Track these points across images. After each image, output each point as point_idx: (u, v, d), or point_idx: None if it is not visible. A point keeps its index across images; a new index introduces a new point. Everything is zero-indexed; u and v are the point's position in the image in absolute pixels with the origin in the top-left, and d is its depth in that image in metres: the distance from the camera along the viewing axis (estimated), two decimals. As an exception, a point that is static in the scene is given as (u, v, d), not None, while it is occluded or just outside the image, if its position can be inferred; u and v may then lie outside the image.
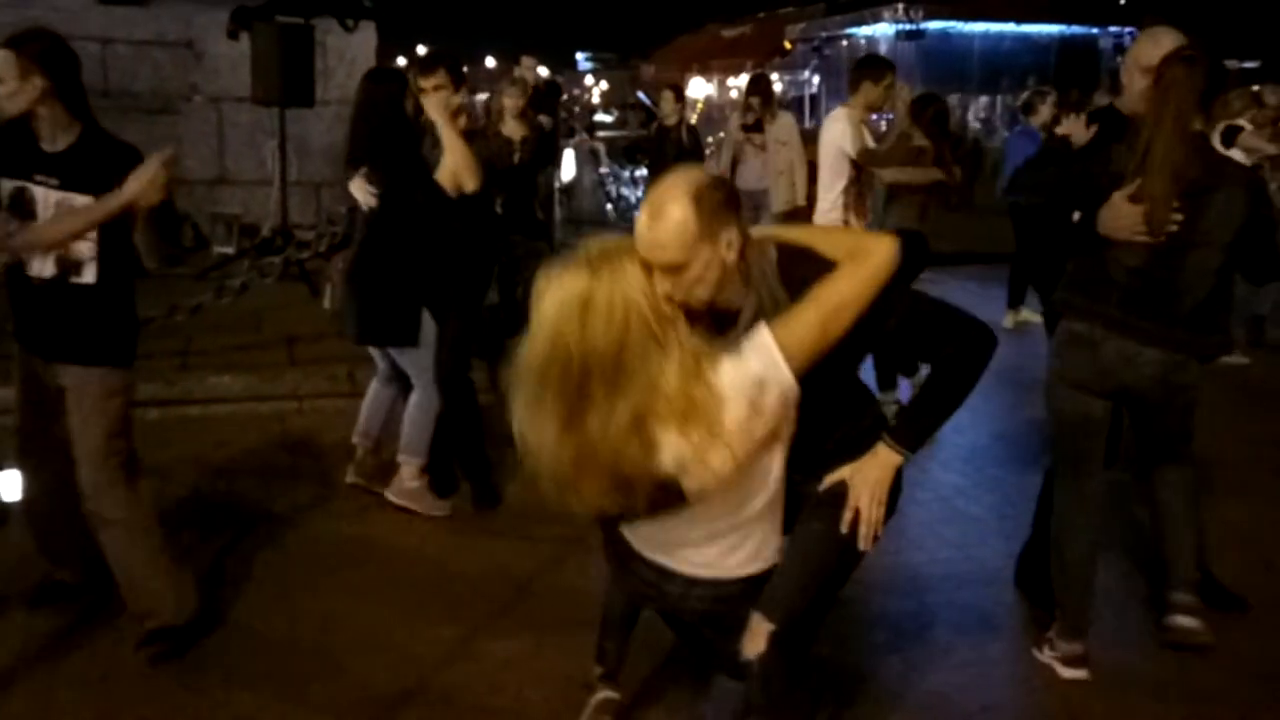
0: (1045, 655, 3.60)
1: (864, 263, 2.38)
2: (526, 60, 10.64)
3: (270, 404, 6.03)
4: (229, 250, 9.63)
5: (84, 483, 3.35)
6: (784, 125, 8.81)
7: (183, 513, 4.61)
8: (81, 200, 3.21)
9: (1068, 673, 3.52)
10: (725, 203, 2.34)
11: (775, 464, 2.45)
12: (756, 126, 8.54)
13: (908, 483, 5.39)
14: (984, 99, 13.56)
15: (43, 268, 3.28)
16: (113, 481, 3.37)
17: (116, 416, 3.37)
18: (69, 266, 3.27)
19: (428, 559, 4.21)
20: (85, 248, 3.25)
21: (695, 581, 2.53)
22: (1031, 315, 9.14)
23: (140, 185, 3.12)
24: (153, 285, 8.21)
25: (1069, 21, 13.13)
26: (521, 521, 4.45)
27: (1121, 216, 3.24)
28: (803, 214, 9.03)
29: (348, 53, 10.73)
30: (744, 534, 2.49)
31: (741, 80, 9.28)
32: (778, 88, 17.91)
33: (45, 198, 3.23)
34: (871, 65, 6.36)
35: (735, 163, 8.65)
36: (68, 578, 3.70)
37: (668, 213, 2.26)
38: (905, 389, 6.52)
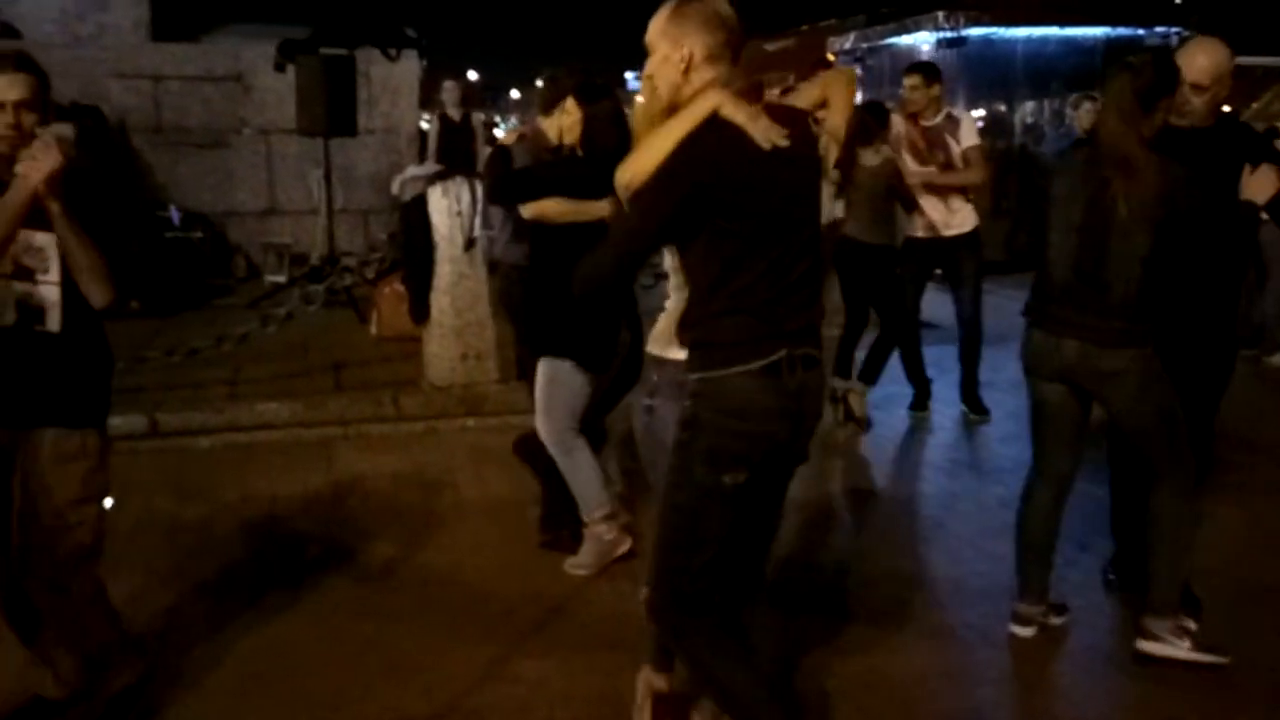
0: (1185, 649, 3.53)
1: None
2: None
3: (316, 430, 6.13)
4: (280, 279, 9.83)
5: (34, 559, 3.00)
6: (822, 141, 8.79)
7: (227, 538, 4.71)
8: (44, 240, 2.88)
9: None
10: (701, 20, 2.56)
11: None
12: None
13: (951, 495, 5.39)
14: (1030, 104, 13.39)
15: (2, 314, 2.91)
16: (68, 562, 3.01)
17: (78, 483, 3.01)
18: (30, 312, 2.92)
19: (462, 582, 4.24)
20: (48, 290, 2.91)
21: None
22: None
23: (28, 165, 2.75)
24: (204, 315, 8.45)
25: (1114, 23, 12.94)
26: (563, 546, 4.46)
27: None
28: (837, 228, 9.00)
29: (391, 81, 10.93)
30: None
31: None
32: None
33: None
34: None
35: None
36: (54, 694, 3.21)
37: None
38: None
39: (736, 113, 2.50)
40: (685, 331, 2.64)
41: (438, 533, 4.77)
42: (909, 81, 6.43)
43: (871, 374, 6.44)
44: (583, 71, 4.37)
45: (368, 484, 5.43)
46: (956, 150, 6.35)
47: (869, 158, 6.24)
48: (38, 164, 2.75)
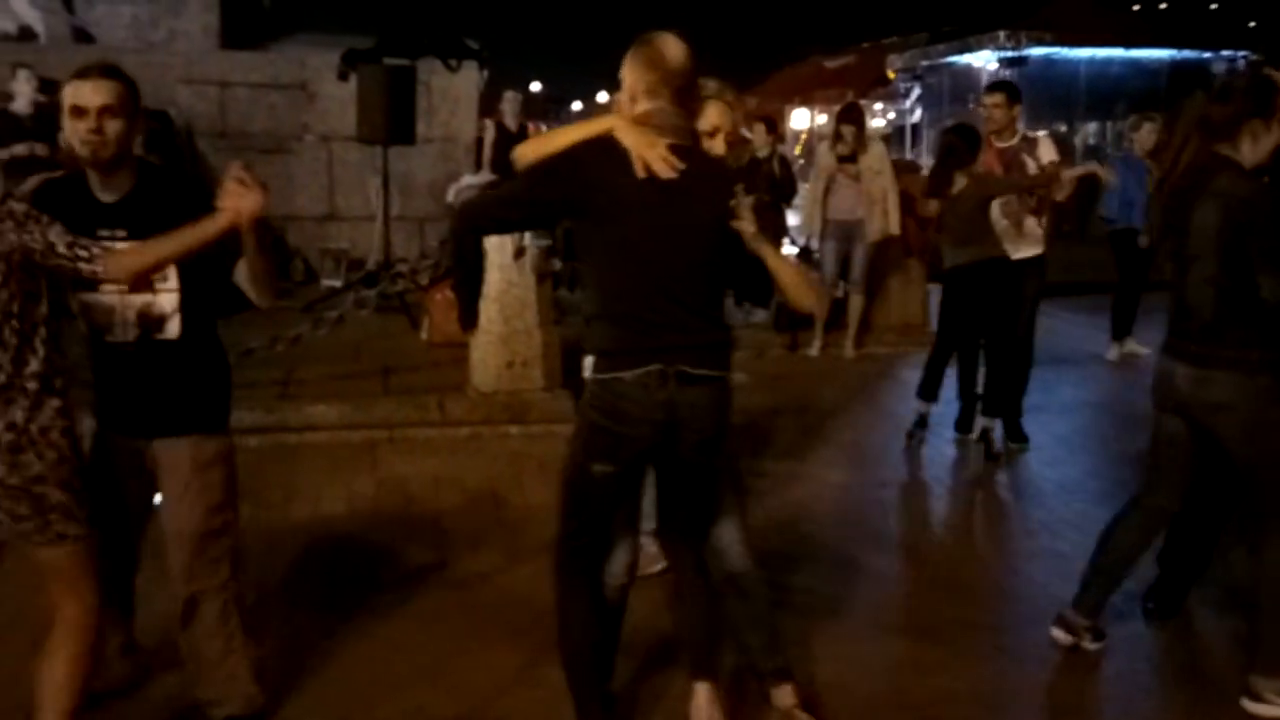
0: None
1: None
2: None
3: (362, 432, 6.23)
4: (336, 283, 9.98)
5: (180, 566, 3.09)
6: (876, 154, 8.75)
7: (269, 536, 4.79)
8: None
9: None
10: (644, 60, 2.84)
11: None
12: (851, 157, 8.50)
13: (990, 518, 5.34)
14: (1092, 125, 13.26)
15: (125, 331, 2.95)
16: (215, 563, 3.11)
17: (218, 489, 3.10)
18: (151, 324, 2.96)
19: (495, 588, 4.29)
20: (166, 300, 2.95)
21: None
22: (1138, 347, 8.89)
23: (236, 200, 2.74)
24: (258, 316, 8.57)
25: (1179, 46, 12.78)
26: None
27: None
28: (895, 243, 8.97)
29: (451, 92, 11.07)
30: None
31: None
32: (880, 121, 17.77)
33: None
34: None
35: (827, 192, 8.59)
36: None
37: None
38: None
39: (627, 137, 2.77)
40: (585, 335, 2.96)
41: (474, 538, 4.82)
42: (991, 100, 6.26)
43: (997, 406, 6.19)
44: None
45: (409, 487, 5.50)
46: (1034, 170, 6.12)
47: (956, 183, 5.96)
48: (246, 201, 2.74)
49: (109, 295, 2.91)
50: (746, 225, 2.88)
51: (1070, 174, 6.25)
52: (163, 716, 3.33)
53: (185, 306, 2.97)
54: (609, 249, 2.82)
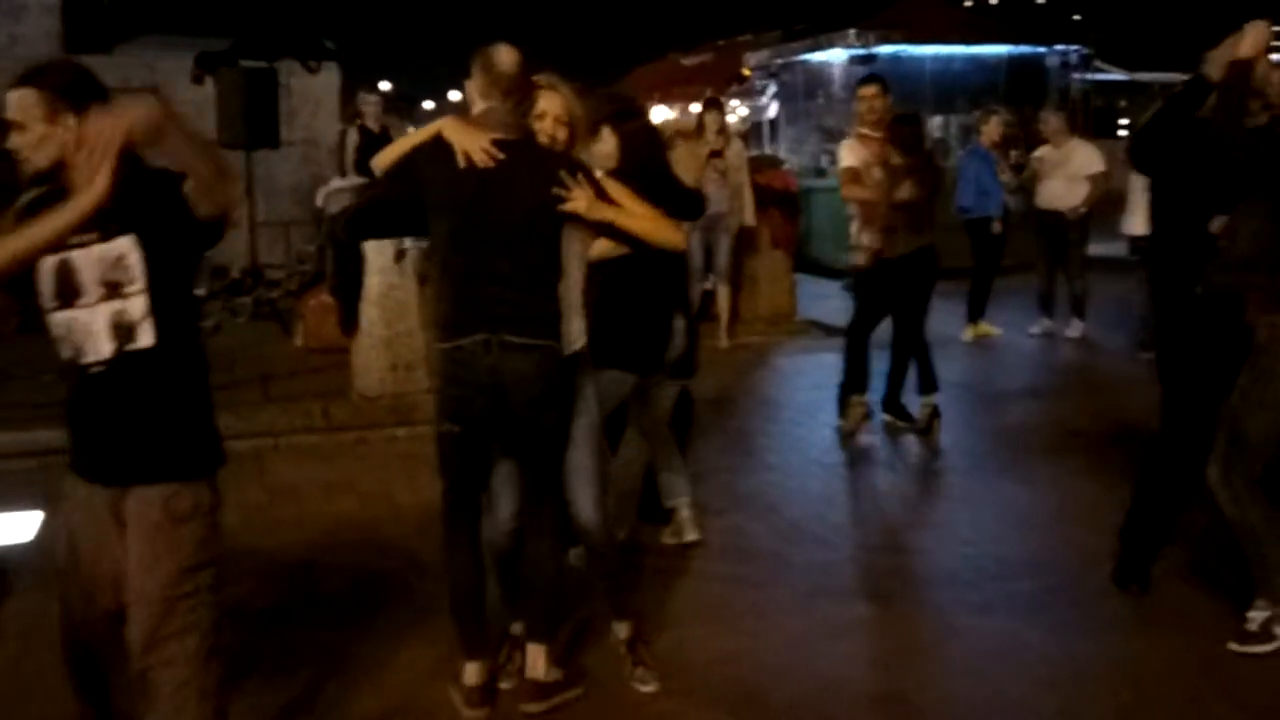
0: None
1: None
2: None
3: (247, 441, 6.13)
4: (200, 292, 9.74)
5: (138, 633, 2.59)
6: (736, 149, 9.03)
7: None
8: (127, 244, 2.58)
9: None
10: (478, 66, 3.31)
11: None
12: (718, 152, 8.73)
13: (868, 492, 5.59)
14: (938, 119, 13.86)
15: (99, 347, 2.60)
16: (183, 631, 2.60)
17: (192, 547, 2.62)
18: (122, 334, 2.60)
19: (404, 587, 4.32)
20: (137, 301, 2.58)
21: None
22: (990, 329, 9.40)
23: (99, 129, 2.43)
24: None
25: (1016, 42, 13.49)
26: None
27: None
28: (749, 234, 9.26)
29: (312, 94, 10.92)
30: None
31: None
32: (734, 117, 18.16)
33: (88, 259, 2.58)
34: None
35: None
36: None
37: None
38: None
39: (453, 135, 3.21)
40: (433, 313, 3.40)
41: (375, 540, 4.84)
42: (869, 91, 6.28)
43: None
44: (611, 100, 4.59)
45: (302, 493, 5.48)
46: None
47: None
48: (105, 130, 2.42)
49: (79, 310, 2.61)
50: (577, 203, 3.21)
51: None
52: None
53: (156, 309, 2.60)
54: (443, 234, 3.26)
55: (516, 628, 3.59)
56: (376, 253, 6.47)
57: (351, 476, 5.74)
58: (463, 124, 3.25)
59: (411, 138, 3.41)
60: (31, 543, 4.65)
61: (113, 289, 2.60)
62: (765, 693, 3.51)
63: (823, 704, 3.46)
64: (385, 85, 19.33)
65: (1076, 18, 30.83)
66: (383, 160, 3.38)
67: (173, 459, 2.63)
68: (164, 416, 2.63)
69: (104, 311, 2.61)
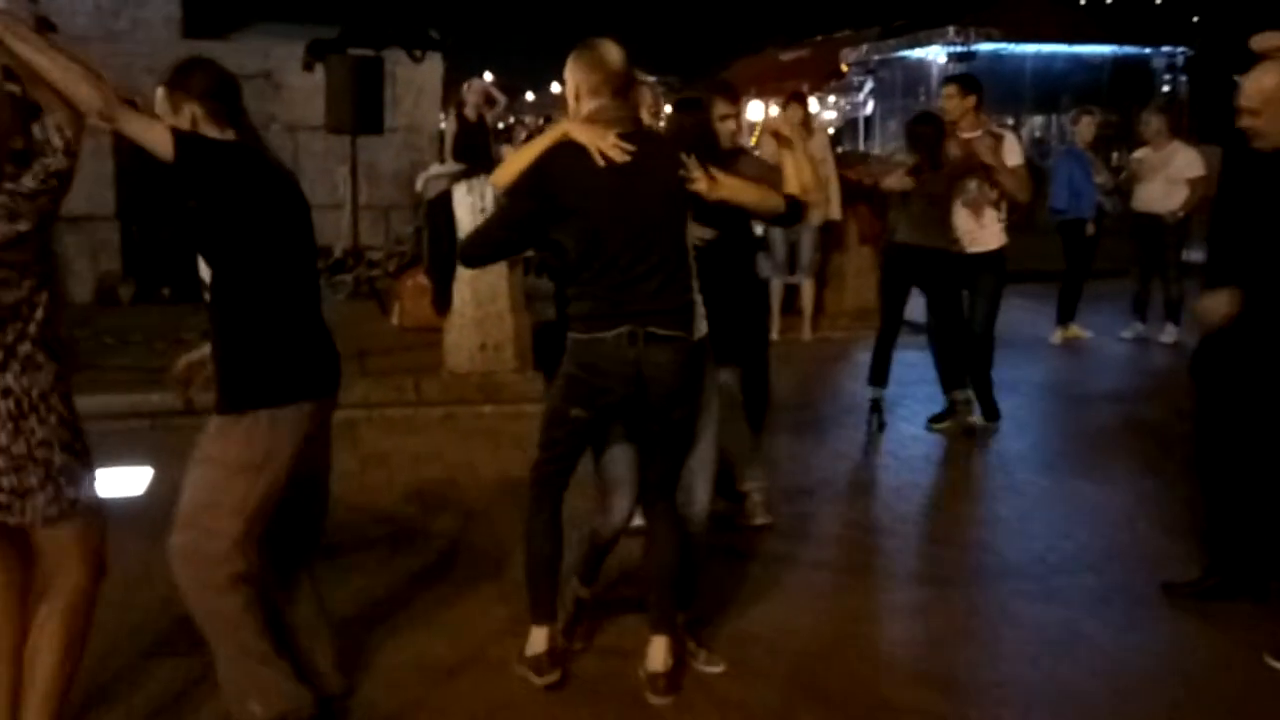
0: None
1: None
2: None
3: (342, 412, 6.38)
4: (304, 270, 10.14)
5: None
6: (819, 142, 9.08)
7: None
8: None
9: None
10: (585, 63, 3.23)
11: None
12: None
13: (941, 486, 5.66)
14: (1038, 119, 13.71)
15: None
16: (186, 554, 2.96)
17: (208, 487, 2.96)
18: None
19: (480, 550, 4.56)
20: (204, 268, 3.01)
21: None
22: (1080, 332, 9.31)
23: None
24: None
25: (1121, 42, 13.26)
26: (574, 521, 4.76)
27: None
28: (836, 228, 9.32)
29: (415, 82, 11.25)
30: None
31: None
32: (833, 113, 18.10)
33: None
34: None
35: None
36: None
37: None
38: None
39: (581, 135, 3.19)
40: (566, 304, 3.39)
41: (457, 506, 5.09)
42: (945, 91, 6.46)
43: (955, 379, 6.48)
44: (678, 88, 4.76)
45: (391, 461, 5.75)
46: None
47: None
48: None
49: None
50: (700, 183, 3.24)
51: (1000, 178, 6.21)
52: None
53: (216, 272, 2.99)
54: (585, 234, 3.20)
55: (585, 593, 3.69)
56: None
57: (438, 448, 6.00)
58: (587, 124, 3.22)
59: (529, 149, 3.33)
60: (141, 497, 5.00)
61: None
62: (820, 670, 3.65)
63: (876, 683, 3.58)
64: (488, 76, 19.74)
65: (1195, 19, 30.01)
66: (504, 177, 3.32)
67: (220, 392, 3.01)
68: (219, 352, 3.04)
69: None
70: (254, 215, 2.97)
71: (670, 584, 3.47)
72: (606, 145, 3.14)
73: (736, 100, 4.64)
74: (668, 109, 4.47)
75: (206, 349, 3.17)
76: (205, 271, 3.05)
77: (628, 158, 3.15)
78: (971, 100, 6.26)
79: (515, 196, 3.33)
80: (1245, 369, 3.86)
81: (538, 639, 3.48)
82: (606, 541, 3.59)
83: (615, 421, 3.39)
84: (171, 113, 2.99)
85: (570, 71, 3.27)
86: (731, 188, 3.41)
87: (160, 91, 3.06)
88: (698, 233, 3.52)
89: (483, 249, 3.62)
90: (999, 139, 6.33)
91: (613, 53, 3.24)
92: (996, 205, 6.30)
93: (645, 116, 3.49)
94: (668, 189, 3.25)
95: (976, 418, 6.48)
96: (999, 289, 6.44)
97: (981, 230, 6.30)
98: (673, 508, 3.47)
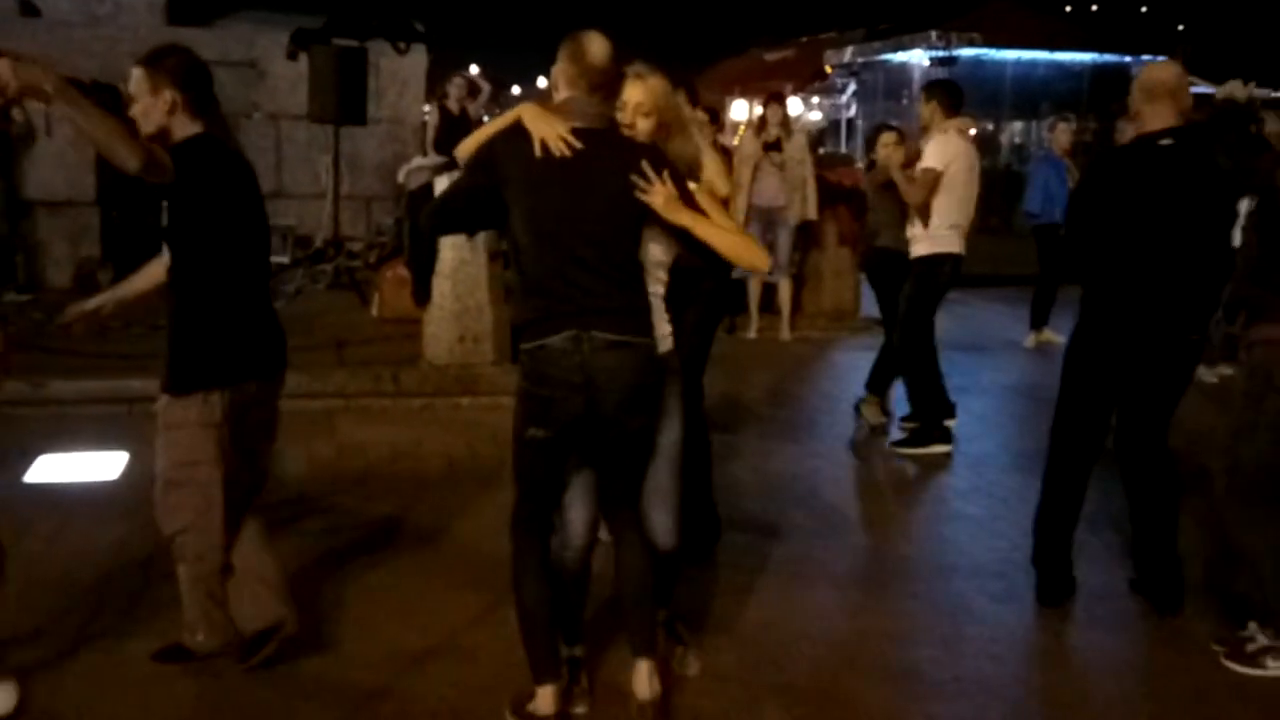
0: (1272, 668, 3.65)
1: None
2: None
3: (320, 401, 6.47)
4: (284, 259, 10.15)
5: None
6: (798, 143, 9.18)
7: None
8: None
9: None
10: (566, 55, 3.11)
11: None
12: (776, 145, 8.90)
13: (912, 485, 5.74)
14: (1018, 125, 13.84)
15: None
16: (171, 511, 3.33)
17: (185, 448, 3.29)
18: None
19: (457, 540, 4.62)
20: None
21: None
22: (1053, 336, 9.42)
23: None
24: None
25: (1102, 50, 13.41)
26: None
27: None
28: (814, 228, 9.42)
29: (399, 74, 11.26)
30: None
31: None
32: (816, 114, 18.18)
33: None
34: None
35: (751, 179, 8.91)
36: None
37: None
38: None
39: (530, 123, 3.06)
40: (514, 309, 3.24)
41: (434, 496, 5.14)
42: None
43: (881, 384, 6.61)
44: None
45: (369, 451, 5.79)
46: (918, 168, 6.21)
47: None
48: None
49: None
50: (654, 198, 3.04)
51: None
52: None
53: (175, 261, 3.32)
54: (523, 226, 3.07)
55: (578, 650, 3.48)
56: (451, 229, 6.76)
57: (416, 440, 6.04)
58: (542, 112, 3.10)
59: (490, 125, 3.26)
60: (118, 481, 5.03)
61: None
62: (783, 666, 3.71)
63: (840, 675, 3.65)
64: (474, 69, 19.72)
65: (1180, 28, 30.26)
66: (464, 150, 3.24)
67: (170, 372, 3.32)
68: (172, 338, 3.33)
69: None
70: (218, 206, 3.26)
71: (645, 602, 3.32)
72: (551, 136, 3.02)
73: (695, 104, 4.66)
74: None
75: (99, 299, 3.64)
76: (166, 255, 3.32)
77: (570, 153, 3.01)
78: (932, 105, 6.25)
79: (466, 169, 3.23)
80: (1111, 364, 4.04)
81: (544, 698, 3.23)
82: (575, 573, 3.36)
83: (576, 441, 3.16)
84: (149, 94, 3.18)
85: (557, 61, 3.17)
86: (696, 220, 3.12)
87: (139, 72, 3.21)
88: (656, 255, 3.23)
89: (435, 217, 3.51)
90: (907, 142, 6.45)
91: (596, 47, 3.11)
92: (922, 212, 6.10)
93: (628, 114, 3.23)
94: (612, 190, 3.06)
95: (874, 419, 6.57)
96: (918, 295, 6.20)
97: (915, 235, 6.20)
98: (633, 526, 3.30)
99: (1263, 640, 3.72)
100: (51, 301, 7.63)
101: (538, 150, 3.02)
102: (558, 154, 3.01)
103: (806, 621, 4.04)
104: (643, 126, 3.24)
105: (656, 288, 3.22)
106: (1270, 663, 3.69)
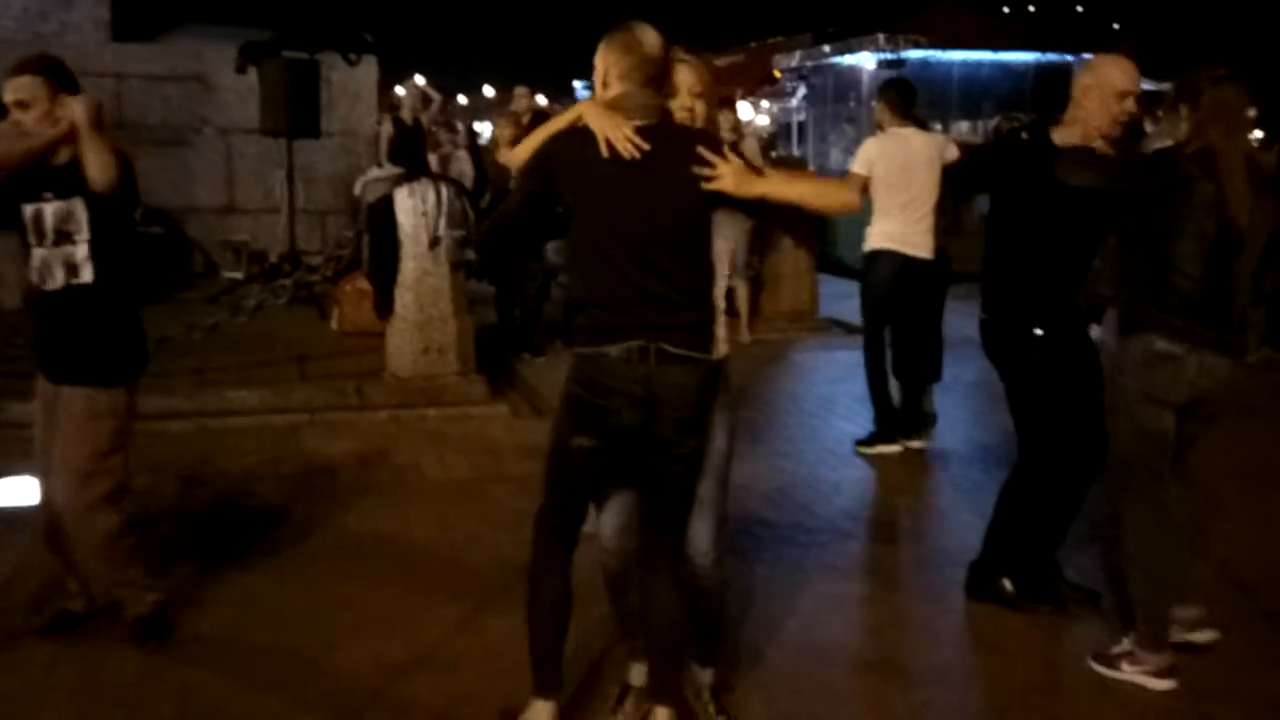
0: (1126, 671, 3.61)
1: None
2: (519, 89, 11.14)
3: (283, 416, 6.43)
4: (238, 275, 10.09)
5: (58, 502, 3.57)
6: (750, 147, 9.27)
7: (204, 509, 5.03)
8: (76, 204, 3.44)
9: (1159, 684, 3.56)
10: (619, 45, 2.94)
11: None
12: (732, 147, 8.95)
13: (879, 481, 5.79)
14: (964, 124, 14.05)
15: (54, 279, 3.51)
16: (90, 506, 3.55)
17: (104, 438, 3.55)
18: (70, 269, 3.49)
19: (431, 552, 4.60)
20: (80, 249, 3.47)
21: None
22: (1006, 331, 9.56)
23: (73, 108, 3.37)
24: (168, 308, 8.72)
25: (1044, 49, 13.67)
26: (523, 520, 4.82)
27: None
28: (771, 231, 9.51)
29: (350, 86, 11.23)
30: None
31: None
32: (765, 119, 18.34)
33: (52, 212, 3.46)
34: None
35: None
36: (78, 607, 3.80)
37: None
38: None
39: (593, 121, 2.88)
40: (568, 314, 3.06)
41: (405, 509, 5.12)
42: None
43: None
44: None
45: (336, 465, 5.75)
46: None
47: None
48: (76, 109, 3.38)
49: (45, 250, 3.52)
50: (724, 180, 2.86)
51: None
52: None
53: (95, 256, 3.52)
54: (586, 230, 2.88)
55: (637, 677, 3.30)
56: (412, 240, 6.75)
57: (383, 451, 6.01)
58: (605, 110, 2.90)
59: (545, 128, 3.03)
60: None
61: (66, 237, 3.49)
62: (761, 659, 3.76)
63: (818, 668, 3.70)
64: (420, 79, 19.69)
65: (1115, 26, 30.90)
66: (518, 156, 3.05)
67: (96, 369, 3.55)
68: (93, 336, 3.55)
69: (59, 253, 3.50)
70: (130, 214, 3.68)
71: (673, 644, 3.13)
72: (618, 136, 2.82)
73: None
74: None
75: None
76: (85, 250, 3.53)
77: (638, 154, 2.82)
78: (881, 105, 6.38)
79: (522, 175, 3.08)
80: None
81: (538, 712, 3.08)
82: (616, 574, 3.21)
83: (623, 453, 2.99)
84: (46, 101, 3.43)
85: (602, 54, 2.96)
86: (771, 184, 2.99)
87: (41, 86, 3.44)
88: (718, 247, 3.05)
89: (494, 234, 3.45)
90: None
91: (650, 37, 2.93)
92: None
93: (684, 98, 3.05)
94: (683, 191, 2.87)
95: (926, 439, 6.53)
96: (865, 293, 6.43)
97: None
98: (675, 554, 3.08)
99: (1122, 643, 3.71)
100: (4, 324, 7.51)
101: (603, 150, 2.83)
102: (626, 155, 2.82)
103: (778, 617, 4.08)
104: (700, 109, 3.08)
105: (721, 284, 3.05)
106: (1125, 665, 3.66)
